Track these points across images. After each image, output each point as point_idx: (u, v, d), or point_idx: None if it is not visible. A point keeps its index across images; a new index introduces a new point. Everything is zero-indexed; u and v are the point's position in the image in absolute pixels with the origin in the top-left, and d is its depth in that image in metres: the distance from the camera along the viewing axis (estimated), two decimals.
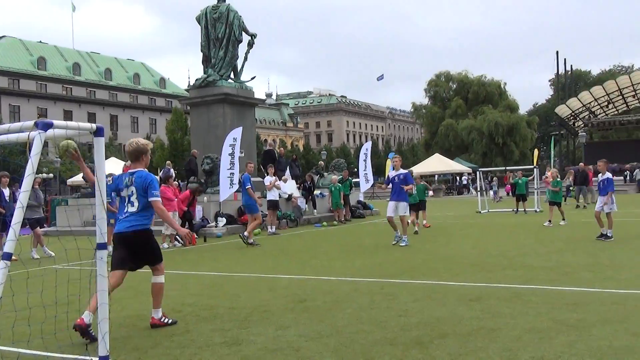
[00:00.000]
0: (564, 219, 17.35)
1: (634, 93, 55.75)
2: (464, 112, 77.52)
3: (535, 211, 23.47)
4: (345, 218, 22.10)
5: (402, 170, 13.03)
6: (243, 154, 20.53)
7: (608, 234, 12.59)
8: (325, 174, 25.79)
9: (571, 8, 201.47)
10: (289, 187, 22.11)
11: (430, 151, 73.50)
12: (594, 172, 21.80)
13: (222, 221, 18.18)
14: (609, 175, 12.81)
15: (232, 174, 18.64)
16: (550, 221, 16.86)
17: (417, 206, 16.85)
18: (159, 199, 5.76)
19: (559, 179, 17.99)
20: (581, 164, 27.84)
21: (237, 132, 19.14)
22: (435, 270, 9.14)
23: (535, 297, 6.73)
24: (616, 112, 60.61)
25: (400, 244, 12.68)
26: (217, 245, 14.77)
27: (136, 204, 5.71)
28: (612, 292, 6.94)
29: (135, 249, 5.71)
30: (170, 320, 5.99)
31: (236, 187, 18.87)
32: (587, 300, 6.48)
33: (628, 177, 45.38)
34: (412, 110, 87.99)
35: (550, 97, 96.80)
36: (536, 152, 38.36)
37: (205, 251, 13.57)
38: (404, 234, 12.86)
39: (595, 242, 12.27)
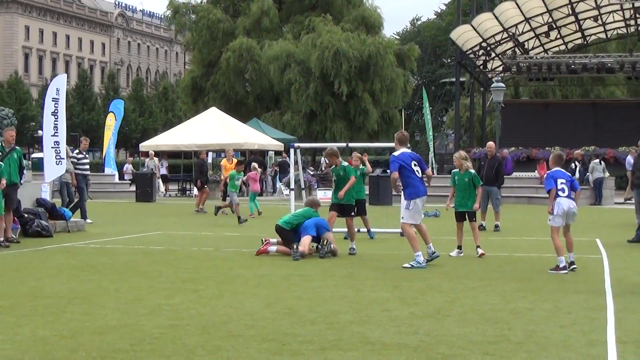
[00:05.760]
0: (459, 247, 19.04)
1: (597, 13, 56.96)
2: (274, 26, 78.96)
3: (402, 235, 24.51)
4: (6, 238, 21.59)
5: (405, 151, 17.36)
6: None
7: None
8: None
9: None
10: None
11: (201, 101, 74.51)
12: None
13: None
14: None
15: None
16: (460, 247, 19.02)
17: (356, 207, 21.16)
18: None
19: (471, 169, 19.15)
20: (490, 143, 29.21)
21: None
22: (186, 349, 9.33)
23: None
24: (563, 47, 64.13)
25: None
26: None
27: None
28: None
29: None
30: None
31: None
32: None
33: (578, 174, 48.14)
34: (168, 13, 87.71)
35: (443, 9, 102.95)
36: (402, 114, 39.97)
37: None
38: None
39: (506, 298, 13.15)
